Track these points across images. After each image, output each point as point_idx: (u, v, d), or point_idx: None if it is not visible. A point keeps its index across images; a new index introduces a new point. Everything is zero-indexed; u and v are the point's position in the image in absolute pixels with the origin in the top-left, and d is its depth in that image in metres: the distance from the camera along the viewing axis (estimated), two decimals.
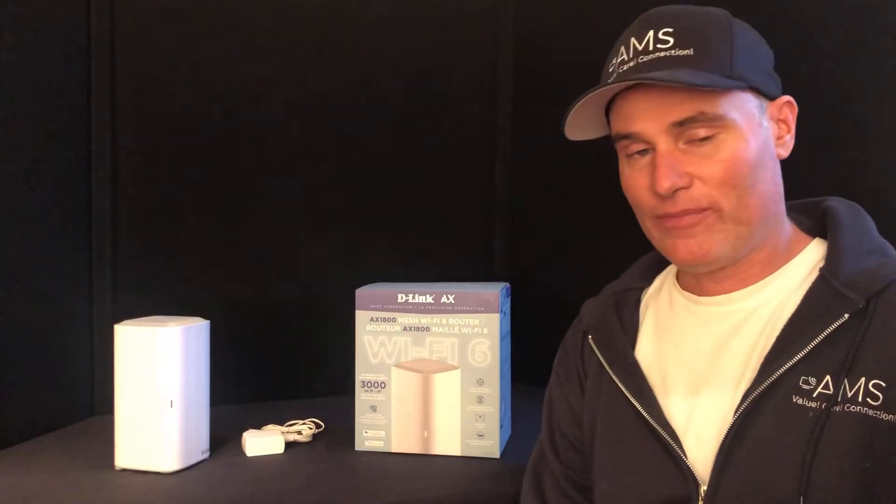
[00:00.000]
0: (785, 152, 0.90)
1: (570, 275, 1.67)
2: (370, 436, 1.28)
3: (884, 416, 0.76)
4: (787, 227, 0.91)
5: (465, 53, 1.74)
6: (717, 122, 0.83)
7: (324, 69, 1.63)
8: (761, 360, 0.83)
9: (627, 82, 0.84)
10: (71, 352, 1.45)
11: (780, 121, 0.89)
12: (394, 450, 1.27)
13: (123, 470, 1.17)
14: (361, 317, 1.28)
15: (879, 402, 0.77)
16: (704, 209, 0.84)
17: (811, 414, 0.79)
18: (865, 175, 1.21)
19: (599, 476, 0.95)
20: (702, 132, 0.83)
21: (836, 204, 0.91)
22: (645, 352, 0.95)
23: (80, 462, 1.21)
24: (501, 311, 1.27)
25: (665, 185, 0.83)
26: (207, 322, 1.24)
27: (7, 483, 1.12)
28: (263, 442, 1.26)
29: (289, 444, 1.29)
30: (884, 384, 0.77)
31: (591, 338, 0.99)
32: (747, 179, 0.84)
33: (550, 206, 1.71)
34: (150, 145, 1.53)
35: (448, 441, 1.26)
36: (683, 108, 0.83)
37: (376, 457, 1.26)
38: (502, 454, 1.26)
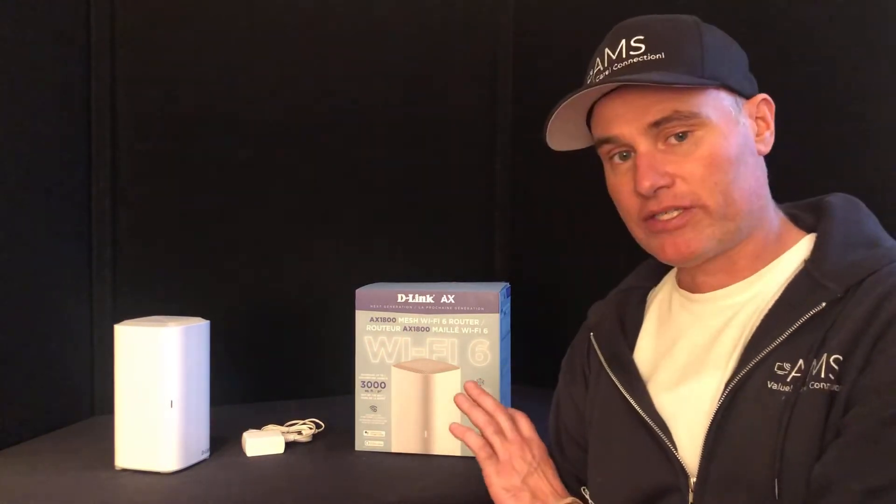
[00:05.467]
0: (765, 148, 0.91)
1: (570, 275, 1.67)
2: (370, 436, 1.28)
3: (837, 388, 0.77)
4: (776, 221, 0.91)
5: (466, 54, 1.74)
6: (693, 119, 0.85)
7: (324, 69, 1.63)
8: (743, 350, 0.84)
9: (604, 86, 0.86)
10: (71, 352, 1.45)
11: (758, 118, 0.91)
12: (394, 450, 1.27)
13: (123, 470, 1.17)
14: (361, 317, 1.28)
15: (836, 375, 0.77)
16: (689, 207, 0.85)
17: (784, 398, 0.79)
18: (868, 175, 1.21)
19: (594, 470, 0.97)
20: (678, 130, 0.85)
21: (834, 199, 0.92)
22: (644, 348, 0.97)
23: (80, 462, 1.21)
24: (501, 311, 1.27)
25: (645, 184, 0.85)
26: (207, 322, 1.24)
27: (7, 483, 1.12)
28: (263, 442, 1.26)
29: (289, 444, 1.29)
30: (841, 358, 0.77)
31: (593, 335, 1.01)
32: (728, 175, 0.85)
33: (550, 206, 1.71)
34: (149, 145, 1.53)
35: (448, 441, 1.25)
36: (659, 108, 0.85)
37: (376, 457, 1.26)
38: None
